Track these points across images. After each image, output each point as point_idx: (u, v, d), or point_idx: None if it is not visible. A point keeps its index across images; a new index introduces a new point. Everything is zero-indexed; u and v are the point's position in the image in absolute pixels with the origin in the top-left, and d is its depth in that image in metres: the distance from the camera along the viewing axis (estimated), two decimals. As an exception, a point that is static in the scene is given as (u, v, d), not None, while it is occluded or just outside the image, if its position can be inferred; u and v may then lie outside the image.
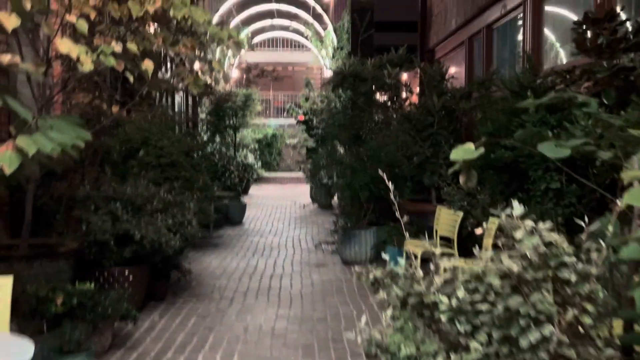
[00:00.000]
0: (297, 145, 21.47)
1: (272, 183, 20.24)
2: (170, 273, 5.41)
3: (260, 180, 19.71)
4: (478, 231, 2.08)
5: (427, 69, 7.25)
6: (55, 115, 3.25)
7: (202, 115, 14.96)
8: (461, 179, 3.99)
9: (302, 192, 17.03)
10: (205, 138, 11.56)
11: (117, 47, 3.42)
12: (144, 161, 6.55)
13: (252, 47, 16.83)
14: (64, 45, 3.04)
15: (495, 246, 4.69)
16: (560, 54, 7.06)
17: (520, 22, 7.83)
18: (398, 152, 6.81)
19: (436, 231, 6.56)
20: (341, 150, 8.76)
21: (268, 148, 21.51)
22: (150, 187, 4.96)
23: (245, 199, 14.64)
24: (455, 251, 5.80)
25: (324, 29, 16.98)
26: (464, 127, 8.09)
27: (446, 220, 6.09)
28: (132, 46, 3.49)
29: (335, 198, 13.97)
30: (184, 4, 3.36)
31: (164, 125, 6.83)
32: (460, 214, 5.82)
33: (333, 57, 15.96)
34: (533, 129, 4.18)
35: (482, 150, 3.51)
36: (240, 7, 18.83)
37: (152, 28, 5.08)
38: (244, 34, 18.68)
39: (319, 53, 19.41)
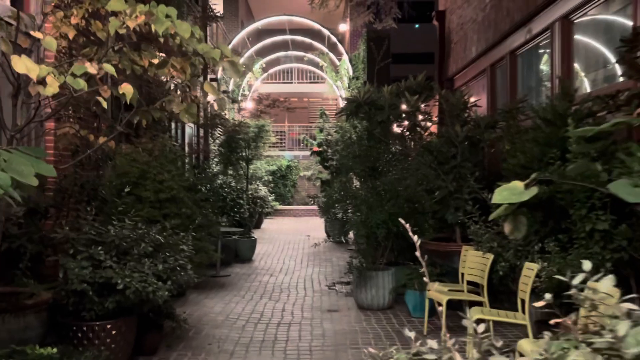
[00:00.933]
0: (311, 177, 20.99)
1: (286, 216, 19.67)
2: (163, 323, 4.81)
3: (274, 213, 19.17)
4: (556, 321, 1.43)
5: (448, 96, 6.70)
6: (14, 148, 2.74)
7: (214, 147, 14.57)
8: (506, 228, 3.35)
9: (316, 226, 16.41)
10: (215, 170, 11.08)
11: (92, 69, 2.92)
12: (142, 197, 6.05)
13: (261, 74, 16.49)
14: (20, 64, 2.56)
15: (533, 295, 3.90)
16: (584, 82, 6.50)
17: (543, 48, 7.31)
18: (418, 186, 6.20)
19: (462, 275, 5.89)
20: (356, 183, 8.18)
21: (282, 180, 21.02)
22: (138, 227, 4.41)
23: (257, 234, 14.07)
24: (485, 298, 5.11)
25: (339, 59, 16.66)
26: (487, 159, 7.48)
27: (474, 262, 5.43)
28: (109, 67, 2.99)
29: (351, 234, 13.35)
30: (165, 16, 2.86)
31: (165, 158, 6.34)
32: (490, 256, 5.15)
33: (349, 87, 15.56)
34: (589, 162, 3.56)
35: (534, 190, 2.88)
36: (255, 39, 18.66)
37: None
38: (258, 65, 18.46)
39: (334, 83, 19.08)
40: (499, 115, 6.82)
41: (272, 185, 19.20)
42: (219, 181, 10.47)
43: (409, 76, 7.07)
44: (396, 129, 9.75)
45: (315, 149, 13.80)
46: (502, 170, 5.75)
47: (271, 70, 20.40)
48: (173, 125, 10.41)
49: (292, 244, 12.70)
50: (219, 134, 15.09)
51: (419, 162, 6.20)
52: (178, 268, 4.32)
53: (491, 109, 8.62)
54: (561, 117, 5.18)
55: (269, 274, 9.01)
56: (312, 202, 15.37)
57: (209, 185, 9.66)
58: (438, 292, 5.45)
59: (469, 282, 5.55)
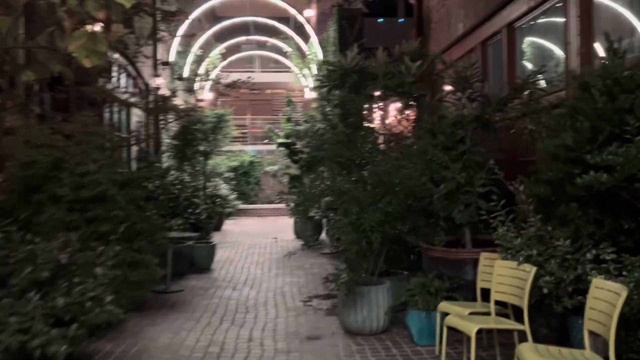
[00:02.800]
0: (277, 174, 19.43)
1: (250, 216, 18.10)
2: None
3: (236, 213, 17.55)
4: None
5: (453, 64, 5.38)
6: None
7: (168, 139, 12.88)
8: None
9: (283, 227, 14.91)
10: (167, 164, 9.45)
11: None
12: (57, 195, 4.48)
13: (220, 60, 14.79)
14: None
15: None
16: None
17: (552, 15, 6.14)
18: (422, 176, 4.85)
19: (480, 289, 4.57)
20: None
21: (245, 177, 19.42)
22: (28, 241, 2.86)
23: (217, 237, 12.48)
24: (527, 326, 3.79)
25: (306, 42, 15.22)
26: (501, 144, 6.23)
27: (505, 277, 4.10)
28: None
29: (324, 234, 11.95)
30: None
31: (90, 144, 4.76)
32: (532, 269, 3.83)
33: (318, 71, 14.13)
34: None
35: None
36: (213, 19, 16.95)
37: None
38: (217, 51, 16.79)
39: (300, 72, 17.60)
40: (516, 90, 5.54)
41: (234, 182, 17.58)
42: (170, 177, 8.86)
43: (402, 41, 5.71)
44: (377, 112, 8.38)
45: (282, 141, 12.32)
46: (536, 156, 4.48)
47: (231, 58, 18.74)
48: (116, 110, 8.75)
49: (258, 248, 11.19)
50: (172, 122, 13.41)
51: (425, 143, 4.84)
52: (89, 302, 2.80)
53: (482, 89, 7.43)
54: (618, 83, 3.94)
55: (231, 287, 7.50)
56: (279, 201, 13.89)
57: (157, 182, 8.06)
58: (457, 315, 4.10)
59: (496, 302, 4.23)
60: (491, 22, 7.43)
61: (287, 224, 15.16)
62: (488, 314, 4.25)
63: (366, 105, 10.48)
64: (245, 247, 11.20)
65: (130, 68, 10.32)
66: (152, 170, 7.57)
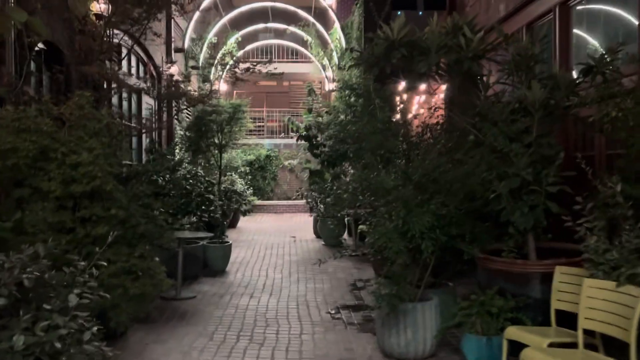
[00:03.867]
0: (294, 168, 18.65)
1: (266, 212, 17.34)
2: None
3: (252, 209, 16.81)
4: None
5: (516, 39, 4.51)
6: None
7: (181, 131, 12.13)
8: None
9: (301, 224, 14.14)
10: (179, 157, 8.68)
11: None
12: (43, 189, 3.71)
13: (237, 50, 13.90)
14: None
15: None
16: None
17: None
18: (487, 173, 4.00)
19: (556, 311, 3.73)
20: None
21: (261, 172, 18.63)
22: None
23: (232, 235, 11.71)
24: (633, 367, 2.93)
25: (327, 30, 14.36)
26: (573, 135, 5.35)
27: (599, 300, 3.24)
28: None
29: (346, 234, 11.13)
30: None
31: (84, 129, 3.99)
32: (642, 293, 2.97)
33: (341, 59, 13.27)
34: None
35: None
36: (228, 6, 16.13)
37: None
38: (233, 39, 16.01)
39: (319, 62, 16.75)
40: (583, 72, 4.65)
41: (249, 177, 16.81)
42: (182, 170, 8.09)
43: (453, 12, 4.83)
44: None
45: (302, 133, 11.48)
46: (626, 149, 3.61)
47: (248, 47, 17.93)
48: (125, 96, 7.99)
49: (275, 248, 10.40)
50: (186, 113, 12.65)
51: (491, 133, 3.98)
52: (59, 343, 2.00)
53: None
54: None
55: (248, 294, 6.72)
56: (300, 197, 13.10)
57: (168, 176, 7.30)
58: (537, 349, 3.25)
59: (586, 331, 3.37)
60: (540, 1, 6.56)
61: (305, 221, 14.40)
62: (572, 345, 3.40)
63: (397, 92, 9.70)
64: (262, 247, 10.42)
65: (140, 52, 9.57)
66: (161, 163, 6.80)
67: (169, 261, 6.90)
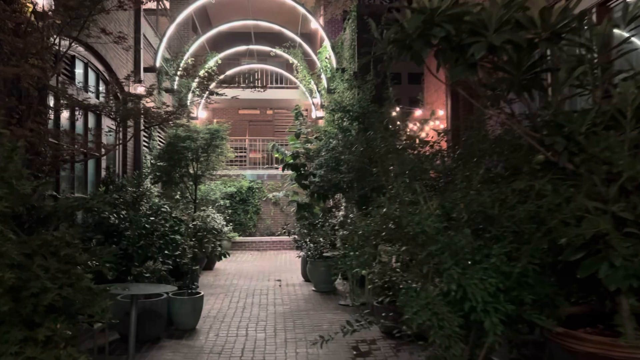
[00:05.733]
0: (280, 201, 17.19)
1: (248, 249, 15.78)
2: None
3: (232, 247, 15.25)
4: None
5: (589, 22, 3.24)
6: None
7: (151, 158, 10.68)
8: None
9: (287, 264, 12.64)
10: (142, 189, 7.19)
11: None
12: None
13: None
14: None
15: None
16: None
17: None
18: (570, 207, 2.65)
19: None
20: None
21: (243, 205, 17.14)
22: None
23: (207, 278, 10.16)
24: None
25: (315, 52, 13.17)
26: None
27: None
28: None
29: (340, 277, 9.67)
30: None
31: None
32: None
33: (331, 81, 12.04)
34: None
35: None
36: (204, 20, 14.86)
37: None
38: (212, 62, 14.73)
39: (306, 87, 15.53)
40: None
41: (229, 211, 15.30)
42: (144, 205, 6.60)
43: None
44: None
45: (289, 162, 10.10)
46: None
47: (228, 72, 16.68)
48: (79, 115, 6.53)
49: (258, 295, 8.87)
50: (159, 139, 11.23)
51: (566, 151, 2.66)
52: None
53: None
54: None
55: (221, 366, 5.20)
56: (284, 232, 11.67)
57: (124, 213, 5.83)
58: None
59: None
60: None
61: (291, 260, 12.91)
62: None
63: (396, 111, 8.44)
64: (243, 294, 8.89)
65: (99, 65, 8.20)
66: (109, 196, 5.32)
67: (123, 319, 5.39)
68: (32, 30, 5.00)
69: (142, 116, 6.06)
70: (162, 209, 6.43)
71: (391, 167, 3.43)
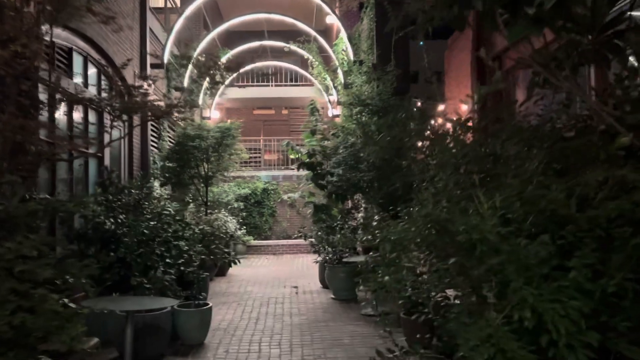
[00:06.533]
0: (295, 203, 16.59)
1: (263, 253, 15.20)
2: None
3: (246, 251, 14.69)
4: None
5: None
6: None
7: (158, 158, 10.15)
8: None
9: (304, 269, 12.00)
10: (138, 191, 6.62)
11: None
12: None
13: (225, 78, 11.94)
14: None
15: None
16: None
17: None
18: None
19: None
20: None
21: (258, 207, 16.57)
22: None
23: (219, 286, 9.57)
24: None
25: (331, 46, 12.54)
26: None
27: None
28: None
29: (362, 287, 9.00)
30: None
31: None
32: None
33: (348, 75, 11.39)
34: None
35: None
36: (216, 17, 14.32)
37: None
38: (224, 59, 14.18)
39: (322, 84, 14.89)
40: None
41: (243, 214, 14.72)
42: (146, 210, 6.03)
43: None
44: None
45: (305, 161, 9.48)
46: None
47: (241, 70, 16.10)
48: (59, 107, 5.98)
49: (273, 304, 8.26)
50: (168, 138, 10.69)
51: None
52: None
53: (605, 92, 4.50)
54: None
55: (229, 390, 4.58)
56: (300, 236, 11.06)
57: (122, 217, 5.26)
58: None
59: None
60: None
61: (308, 265, 12.28)
62: None
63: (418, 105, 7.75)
64: (256, 303, 8.28)
65: (102, 60, 7.69)
66: (77, 199, 4.72)
67: (121, 335, 4.81)
68: (16, 15, 4.48)
69: (139, 111, 5.48)
70: (165, 212, 5.85)
71: (425, 157, 2.77)
